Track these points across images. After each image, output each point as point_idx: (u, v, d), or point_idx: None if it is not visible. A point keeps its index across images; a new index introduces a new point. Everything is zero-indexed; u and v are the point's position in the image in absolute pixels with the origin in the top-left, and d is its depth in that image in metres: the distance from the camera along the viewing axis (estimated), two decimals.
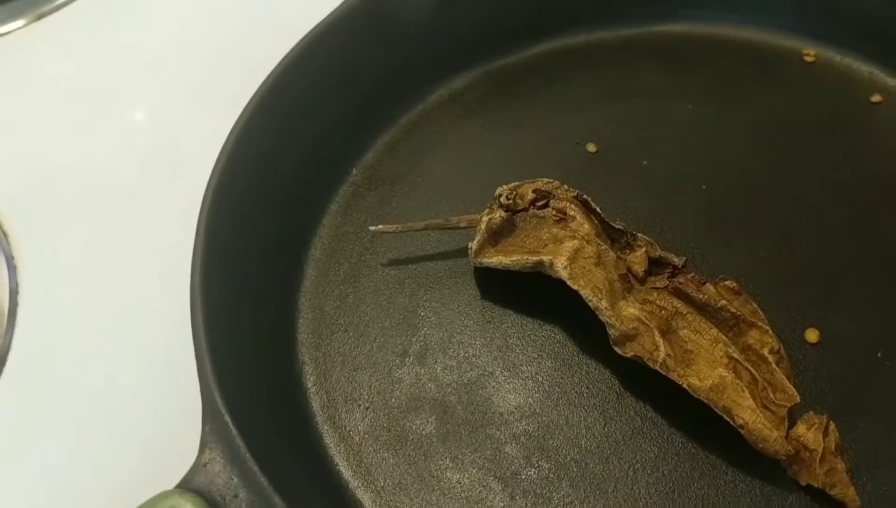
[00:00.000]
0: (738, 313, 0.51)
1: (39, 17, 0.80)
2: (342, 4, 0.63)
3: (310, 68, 0.61)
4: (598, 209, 0.55)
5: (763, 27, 0.69)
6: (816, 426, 0.48)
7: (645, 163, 0.63)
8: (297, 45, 0.61)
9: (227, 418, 0.46)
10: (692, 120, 0.65)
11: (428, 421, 0.53)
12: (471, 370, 0.55)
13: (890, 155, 0.62)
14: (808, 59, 0.68)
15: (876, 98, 0.65)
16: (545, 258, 0.53)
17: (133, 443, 0.56)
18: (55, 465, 0.56)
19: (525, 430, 0.53)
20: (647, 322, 0.50)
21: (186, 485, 0.45)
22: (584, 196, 0.55)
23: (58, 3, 0.81)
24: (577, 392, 0.54)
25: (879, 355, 0.53)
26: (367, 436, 0.53)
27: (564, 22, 0.70)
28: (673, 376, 0.49)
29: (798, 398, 0.48)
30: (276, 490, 0.44)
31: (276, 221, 0.59)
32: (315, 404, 0.55)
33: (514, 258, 0.54)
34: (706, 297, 0.51)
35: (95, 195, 0.68)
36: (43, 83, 0.77)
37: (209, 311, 0.50)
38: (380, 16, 0.64)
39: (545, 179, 0.56)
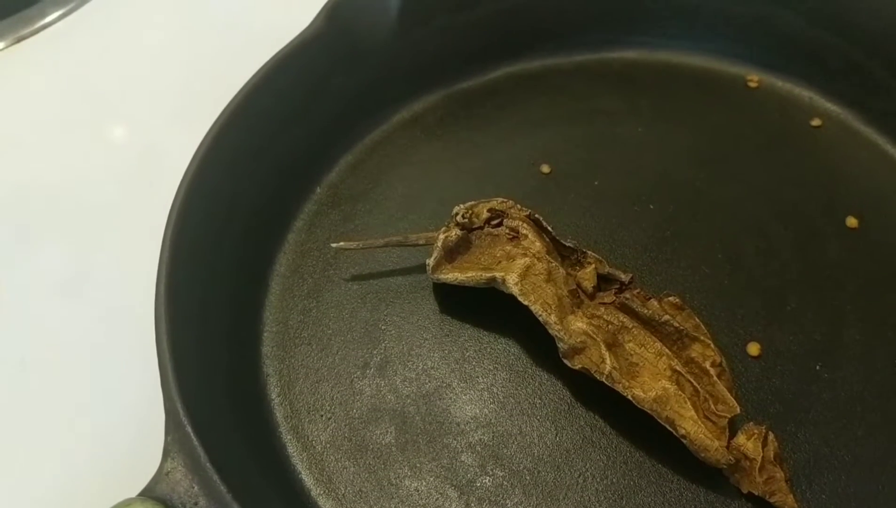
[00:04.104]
0: (682, 327, 0.50)
1: (19, 41, 0.78)
2: (308, 28, 0.61)
3: (275, 90, 0.60)
4: (549, 228, 0.54)
5: (709, 54, 0.68)
6: (756, 436, 0.47)
7: (596, 183, 0.62)
8: (264, 66, 0.59)
9: (189, 428, 0.45)
10: (642, 142, 0.64)
11: (387, 431, 0.52)
12: (429, 381, 0.54)
13: (829, 177, 0.61)
14: (752, 84, 0.67)
15: (816, 122, 0.64)
16: (498, 275, 0.52)
17: (98, 452, 0.55)
18: (18, 473, 0.55)
19: (480, 439, 0.51)
20: (595, 336, 0.49)
21: (149, 493, 0.44)
22: (536, 215, 0.54)
23: (37, 26, 0.79)
24: (530, 403, 0.52)
25: (818, 367, 0.52)
26: (329, 445, 0.52)
27: (521, 48, 0.69)
28: (618, 387, 0.48)
29: (738, 410, 0.47)
30: (235, 497, 0.43)
31: (241, 238, 0.57)
32: (279, 414, 0.54)
33: (469, 275, 0.53)
34: (651, 312, 0.50)
35: (71, 211, 0.66)
36: (22, 102, 0.75)
37: (173, 324, 0.48)
38: (344, 40, 0.62)
39: (500, 199, 0.55)
